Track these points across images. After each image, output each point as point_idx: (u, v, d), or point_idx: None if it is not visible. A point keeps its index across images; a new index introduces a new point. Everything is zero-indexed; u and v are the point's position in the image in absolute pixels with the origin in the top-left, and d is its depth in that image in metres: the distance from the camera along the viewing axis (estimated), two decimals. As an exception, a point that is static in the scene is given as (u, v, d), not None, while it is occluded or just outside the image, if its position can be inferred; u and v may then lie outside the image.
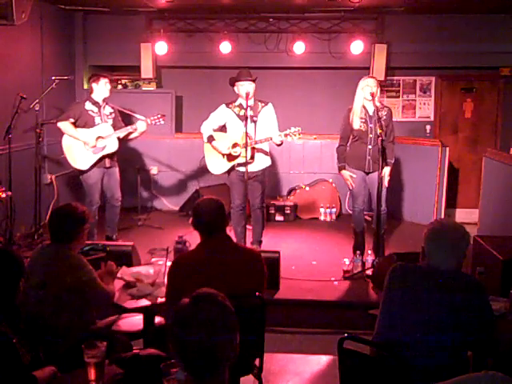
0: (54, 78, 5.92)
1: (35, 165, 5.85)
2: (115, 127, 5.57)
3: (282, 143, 5.11)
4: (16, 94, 5.55)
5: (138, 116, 5.67)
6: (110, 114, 5.64)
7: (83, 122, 5.49)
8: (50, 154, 6.79)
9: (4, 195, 5.20)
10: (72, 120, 5.46)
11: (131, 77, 8.00)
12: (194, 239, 3.17)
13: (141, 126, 5.53)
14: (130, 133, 5.57)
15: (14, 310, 2.42)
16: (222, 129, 5.43)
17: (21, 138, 5.89)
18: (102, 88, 5.54)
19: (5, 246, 5.00)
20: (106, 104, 5.63)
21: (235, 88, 5.27)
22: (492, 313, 2.54)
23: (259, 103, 5.27)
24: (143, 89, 7.86)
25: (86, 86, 7.82)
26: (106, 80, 5.56)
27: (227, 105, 5.35)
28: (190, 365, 1.65)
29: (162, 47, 7.48)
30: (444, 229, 2.57)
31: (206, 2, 6.85)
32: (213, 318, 1.65)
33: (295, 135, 4.99)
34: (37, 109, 5.75)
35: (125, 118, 5.89)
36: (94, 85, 5.55)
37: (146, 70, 7.52)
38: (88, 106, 5.53)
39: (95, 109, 5.54)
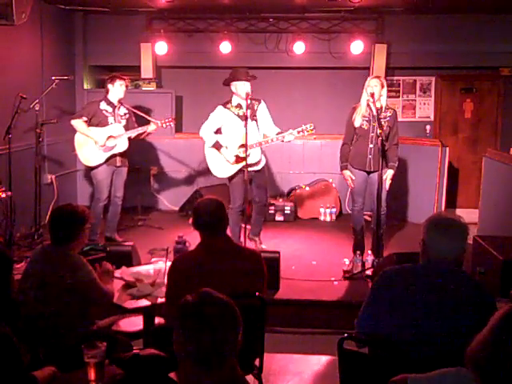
0: (53, 78, 5.93)
1: (35, 165, 5.85)
2: (128, 128, 5.71)
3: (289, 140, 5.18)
4: (16, 94, 5.54)
5: (150, 119, 5.85)
6: (125, 114, 5.78)
7: (97, 121, 5.63)
8: (50, 154, 6.80)
9: (4, 195, 5.20)
10: (85, 118, 5.61)
11: (131, 77, 7.99)
12: (194, 239, 3.17)
13: (151, 128, 5.69)
14: (140, 134, 5.73)
15: (12, 308, 2.42)
16: (218, 130, 5.43)
17: (21, 138, 5.89)
18: (117, 89, 5.67)
19: None
20: (121, 105, 5.76)
21: (232, 87, 5.26)
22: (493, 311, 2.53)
23: (254, 101, 5.28)
24: (143, 89, 7.85)
25: (86, 86, 7.84)
26: (122, 82, 5.68)
27: (224, 105, 5.31)
28: (195, 361, 1.66)
29: (161, 47, 7.48)
30: (444, 218, 2.57)
31: (206, 2, 6.86)
32: (216, 315, 1.66)
33: (308, 131, 5.01)
34: (37, 109, 5.74)
35: (138, 120, 5.98)
36: (109, 86, 5.68)
37: (146, 70, 7.54)
38: (103, 105, 5.67)
39: (110, 109, 5.67)
